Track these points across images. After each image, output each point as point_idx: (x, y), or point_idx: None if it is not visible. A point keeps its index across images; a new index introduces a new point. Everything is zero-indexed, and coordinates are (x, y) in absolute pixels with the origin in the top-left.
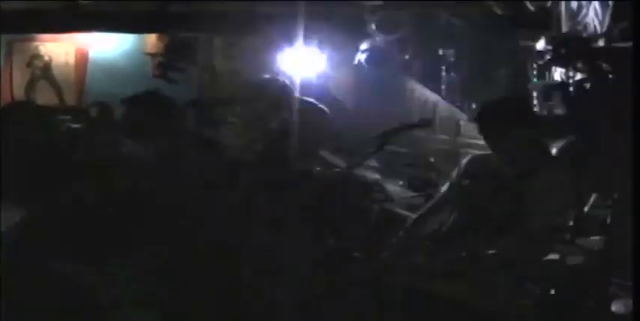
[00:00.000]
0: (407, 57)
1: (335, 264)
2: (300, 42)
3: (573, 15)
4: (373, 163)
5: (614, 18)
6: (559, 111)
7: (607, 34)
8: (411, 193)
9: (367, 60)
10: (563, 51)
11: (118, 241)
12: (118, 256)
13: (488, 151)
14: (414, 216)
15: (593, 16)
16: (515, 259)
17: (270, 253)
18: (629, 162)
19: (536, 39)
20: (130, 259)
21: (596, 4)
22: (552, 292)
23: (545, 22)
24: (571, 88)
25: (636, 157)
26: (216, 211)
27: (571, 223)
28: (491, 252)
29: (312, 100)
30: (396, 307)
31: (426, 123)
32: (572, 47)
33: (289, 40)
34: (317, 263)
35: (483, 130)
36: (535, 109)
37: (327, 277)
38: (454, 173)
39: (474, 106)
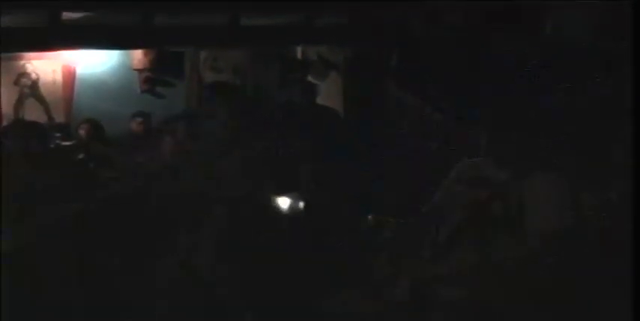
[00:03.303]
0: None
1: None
2: (285, 53)
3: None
4: None
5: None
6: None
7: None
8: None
9: (352, 68)
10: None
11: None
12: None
13: (481, 156)
14: (408, 222)
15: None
16: (511, 262)
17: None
18: (629, 162)
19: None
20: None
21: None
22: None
23: (534, 25)
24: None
25: (636, 157)
26: None
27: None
28: (487, 256)
29: None
30: (396, 310)
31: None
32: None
33: (274, 51)
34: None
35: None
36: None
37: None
38: (447, 179)
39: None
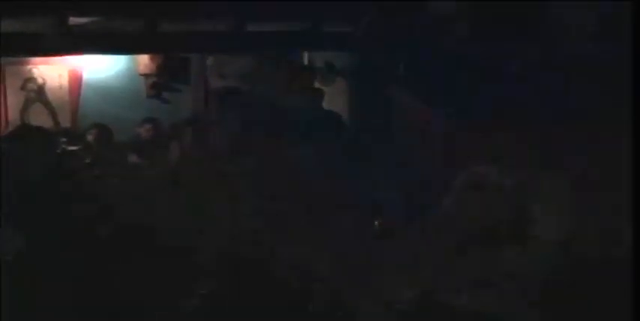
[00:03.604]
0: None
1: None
2: (291, 59)
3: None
4: None
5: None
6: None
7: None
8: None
9: (358, 73)
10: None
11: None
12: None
13: (487, 162)
14: (414, 229)
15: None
16: (519, 268)
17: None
18: (630, 162)
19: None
20: None
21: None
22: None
23: (534, 26)
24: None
25: (636, 157)
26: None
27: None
28: (495, 263)
29: None
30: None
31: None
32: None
33: (280, 58)
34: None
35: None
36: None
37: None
38: (454, 186)
39: None
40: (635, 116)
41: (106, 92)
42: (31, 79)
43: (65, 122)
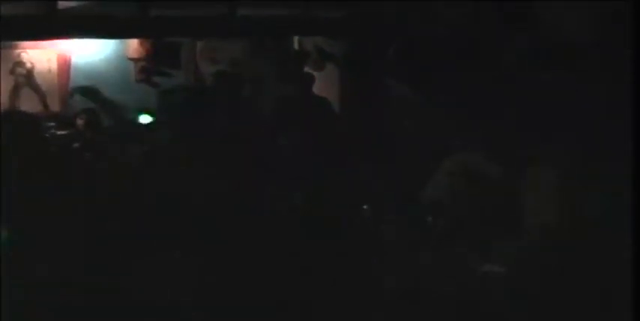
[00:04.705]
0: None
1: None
2: (282, 44)
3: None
4: None
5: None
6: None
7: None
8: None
9: (349, 59)
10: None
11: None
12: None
13: (474, 150)
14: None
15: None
16: (505, 257)
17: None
18: (629, 162)
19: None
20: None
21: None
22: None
23: (525, 21)
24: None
25: (636, 157)
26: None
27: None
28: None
29: None
30: (391, 304)
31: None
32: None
33: (271, 42)
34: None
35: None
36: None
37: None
38: (439, 173)
39: None
40: (636, 116)
41: (95, 76)
42: (19, 63)
43: (54, 106)
